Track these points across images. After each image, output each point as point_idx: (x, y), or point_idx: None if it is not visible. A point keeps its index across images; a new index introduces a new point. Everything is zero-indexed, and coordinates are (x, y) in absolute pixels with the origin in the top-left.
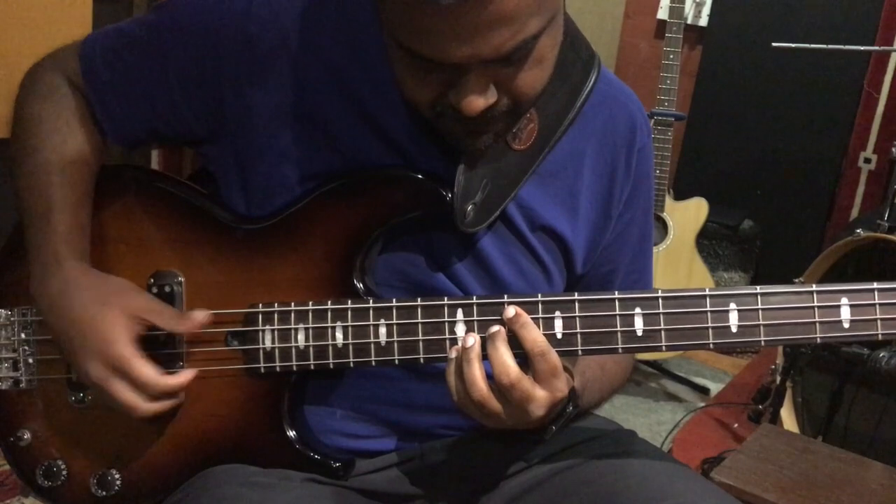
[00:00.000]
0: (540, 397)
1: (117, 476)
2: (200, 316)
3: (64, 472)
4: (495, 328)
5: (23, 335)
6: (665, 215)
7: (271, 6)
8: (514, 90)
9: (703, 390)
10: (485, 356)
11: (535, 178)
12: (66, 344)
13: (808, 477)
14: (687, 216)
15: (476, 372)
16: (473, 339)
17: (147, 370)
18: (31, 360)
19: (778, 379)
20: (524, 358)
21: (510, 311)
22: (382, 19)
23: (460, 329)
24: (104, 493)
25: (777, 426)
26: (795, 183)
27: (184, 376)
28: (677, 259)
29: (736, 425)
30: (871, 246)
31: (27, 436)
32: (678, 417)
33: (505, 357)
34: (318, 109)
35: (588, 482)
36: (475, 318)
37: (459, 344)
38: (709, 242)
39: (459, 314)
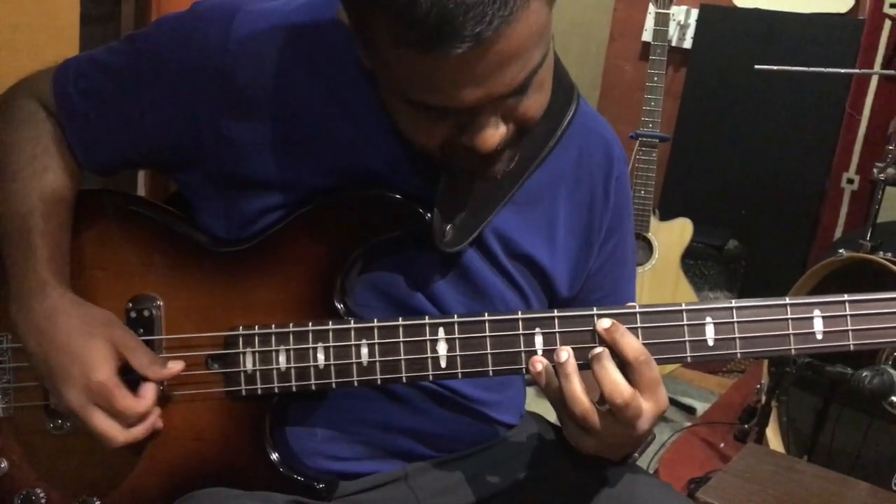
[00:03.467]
0: (647, 409)
1: (98, 503)
2: (176, 367)
3: (43, 500)
4: (598, 349)
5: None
6: (650, 236)
7: (247, 43)
8: (519, 117)
9: (690, 410)
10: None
11: (511, 206)
12: (46, 370)
13: (794, 496)
14: (672, 236)
15: (576, 387)
16: (567, 354)
17: (128, 399)
18: (8, 388)
19: (763, 398)
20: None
21: (605, 322)
22: (382, 78)
23: (442, 347)
24: None
25: (763, 446)
26: (780, 203)
27: (149, 394)
28: (663, 279)
29: (722, 445)
30: (854, 266)
31: (4, 464)
32: (665, 437)
33: (615, 375)
34: (297, 142)
35: None
36: (457, 335)
37: (540, 358)
38: (694, 262)
39: (441, 333)
